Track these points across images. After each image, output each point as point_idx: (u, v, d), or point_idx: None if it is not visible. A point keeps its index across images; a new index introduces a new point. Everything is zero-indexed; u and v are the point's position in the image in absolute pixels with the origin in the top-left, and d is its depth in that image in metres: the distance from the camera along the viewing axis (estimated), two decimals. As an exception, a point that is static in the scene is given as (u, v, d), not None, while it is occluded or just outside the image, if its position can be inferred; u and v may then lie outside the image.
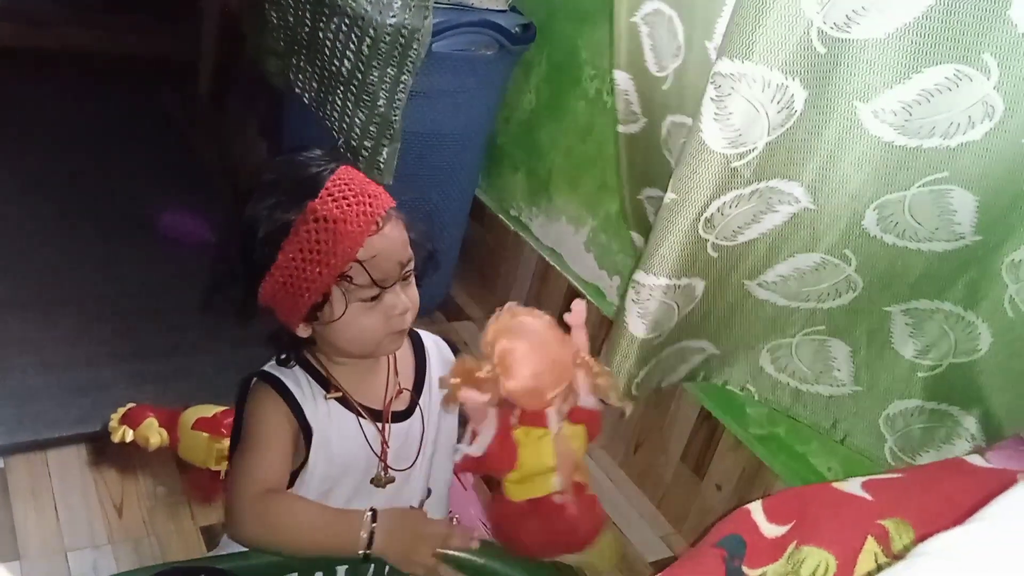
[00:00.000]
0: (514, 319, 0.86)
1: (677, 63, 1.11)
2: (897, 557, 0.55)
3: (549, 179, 1.74)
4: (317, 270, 0.87)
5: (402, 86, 1.51)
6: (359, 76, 1.54)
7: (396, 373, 1.01)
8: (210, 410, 1.33)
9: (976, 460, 0.75)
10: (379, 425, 0.98)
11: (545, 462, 0.87)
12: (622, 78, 1.20)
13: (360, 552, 0.88)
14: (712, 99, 0.93)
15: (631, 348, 1.12)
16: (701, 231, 1.02)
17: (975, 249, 0.97)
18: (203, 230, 1.96)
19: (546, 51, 1.70)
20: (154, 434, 1.31)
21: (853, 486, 0.69)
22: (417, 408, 1.01)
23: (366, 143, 1.58)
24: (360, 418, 0.98)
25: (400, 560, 0.90)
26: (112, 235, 1.90)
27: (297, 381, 0.96)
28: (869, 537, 0.61)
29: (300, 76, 1.76)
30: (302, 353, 0.97)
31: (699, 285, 1.10)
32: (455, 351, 1.08)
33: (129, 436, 1.31)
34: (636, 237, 1.38)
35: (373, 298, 0.90)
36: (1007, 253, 0.96)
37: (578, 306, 0.87)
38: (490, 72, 1.67)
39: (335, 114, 1.65)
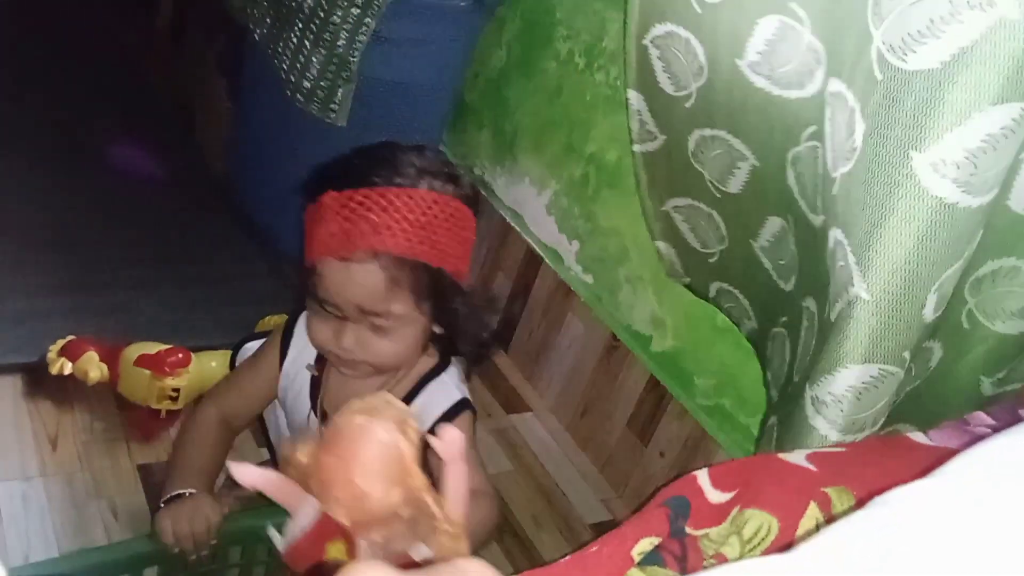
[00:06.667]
0: (348, 422, 0.61)
1: (700, 82, 1.06)
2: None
3: (515, 139, 1.72)
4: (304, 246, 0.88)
5: (364, 28, 1.48)
6: (321, 15, 1.50)
7: None
8: (153, 347, 1.30)
9: (919, 437, 0.76)
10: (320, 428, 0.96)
11: None
12: (634, 97, 1.16)
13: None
14: None
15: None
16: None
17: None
18: (153, 165, 1.92)
19: (520, 8, 1.68)
20: (94, 368, 1.27)
21: (798, 457, 0.70)
22: None
23: (322, 84, 1.54)
24: (312, 411, 0.96)
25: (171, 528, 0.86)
26: (60, 165, 1.84)
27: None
28: (812, 503, 0.62)
29: (255, 10, 1.71)
30: None
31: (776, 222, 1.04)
32: (452, 416, 0.93)
33: (68, 369, 1.27)
34: (662, 247, 1.30)
35: (324, 310, 0.87)
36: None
37: (450, 434, 0.64)
38: (462, 24, 1.63)
39: (287, 52, 1.60)
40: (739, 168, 1.07)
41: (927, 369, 0.97)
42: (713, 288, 1.25)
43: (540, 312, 1.64)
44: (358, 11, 1.47)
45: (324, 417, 0.96)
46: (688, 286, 1.30)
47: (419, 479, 0.60)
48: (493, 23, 1.72)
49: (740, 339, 1.27)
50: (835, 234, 0.86)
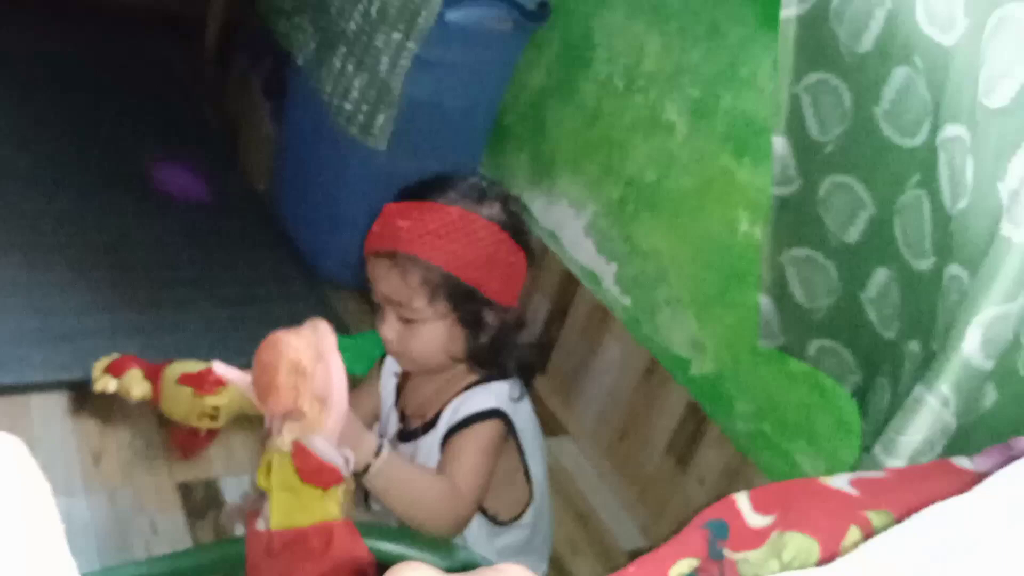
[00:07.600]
0: (274, 334, 0.78)
1: (842, 128, 1.11)
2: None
3: (553, 161, 1.73)
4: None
5: (406, 52, 1.50)
6: (364, 39, 1.53)
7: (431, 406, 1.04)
8: (195, 366, 1.32)
9: (963, 463, 0.75)
10: (398, 425, 1.07)
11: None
12: (779, 143, 1.19)
13: None
14: None
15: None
16: None
17: None
18: (199, 187, 1.95)
19: (560, 31, 1.69)
20: (137, 386, 1.29)
21: (840, 481, 0.68)
22: (413, 444, 1.03)
23: (363, 107, 1.57)
24: (394, 408, 1.09)
25: None
26: (108, 185, 1.88)
27: None
28: (853, 526, 0.61)
29: (299, 35, 1.75)
30: None
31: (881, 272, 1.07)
32: (477, 419, 0.97)
33: (112, 386, 1.29)
34: (765, 303, 1.26)
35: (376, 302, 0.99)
36: None
37: (322, 328, 0.78)
38: (502, 47, 1.65)
39: (330, 76, 1.63)
40: (859, 217, 1.10)
41: (979, 409, 0.96)
42: (813, 347, 1.23)
43: (577, 334, 1.64)
44: (400, 36, 1.49)
45: (402, 415, 1.08)
46: (781, 347, 1.27)
47: (302, 373, 0.75)
48: (532, 46, 1.73)
49: (782, 364, 1.25)
50: (951, 270, 0.89)
